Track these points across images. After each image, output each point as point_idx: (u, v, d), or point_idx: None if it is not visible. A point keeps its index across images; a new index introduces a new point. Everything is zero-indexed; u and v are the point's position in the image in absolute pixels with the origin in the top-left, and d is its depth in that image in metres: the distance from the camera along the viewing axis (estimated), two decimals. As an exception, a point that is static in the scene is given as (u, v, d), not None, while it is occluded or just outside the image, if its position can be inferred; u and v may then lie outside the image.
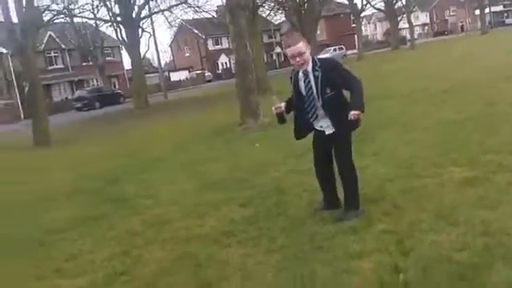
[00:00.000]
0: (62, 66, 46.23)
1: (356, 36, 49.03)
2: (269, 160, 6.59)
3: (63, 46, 44.74)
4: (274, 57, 62.54)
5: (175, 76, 56.01)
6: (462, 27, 79.56)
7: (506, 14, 74.45)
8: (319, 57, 3.83)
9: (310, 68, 3.79)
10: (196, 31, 58.46)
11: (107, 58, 46.37)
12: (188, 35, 56.63)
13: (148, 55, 59.40)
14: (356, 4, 46.21)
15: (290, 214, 4.33)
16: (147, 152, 9.79)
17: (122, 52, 49.37)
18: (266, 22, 45.55)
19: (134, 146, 11.18)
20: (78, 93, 39.50)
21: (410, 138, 6.57)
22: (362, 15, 50.87)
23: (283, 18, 41.98)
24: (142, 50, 30.21)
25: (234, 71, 26.68)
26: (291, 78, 3.99)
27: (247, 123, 10.76)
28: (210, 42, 61.85)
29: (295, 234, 3.82)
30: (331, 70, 3.80)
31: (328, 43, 61.75)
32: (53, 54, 45.42)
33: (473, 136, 6.02)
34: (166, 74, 52.57)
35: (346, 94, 3.90)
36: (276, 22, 57.61)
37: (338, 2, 58.87)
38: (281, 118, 4.04)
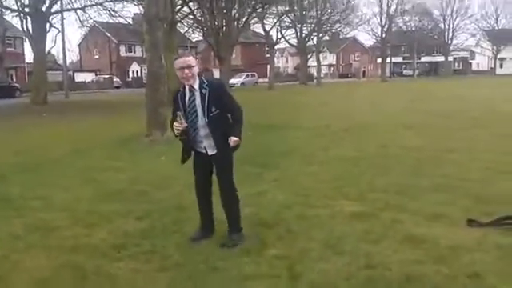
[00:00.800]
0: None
1: (268, 66, 50.64)
2: (173, 174, 6.48)
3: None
4: (187, 73, 62.21)
5: (80, 77, 53.42)
6: (364, 72, 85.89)
7: (404, 66, 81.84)
8: (208, 77, 3.95)
9: (197, 85, 3.80)
10: (108, 35, 56.52)
11: (7, 49, 42.83)
12: (99, 38, 54.40)
13: (53, 51, 55.89)
14: (271, 36, 48.00)
15: (186, 231, 4.28)
16: (41, 152, 9.12)
17: (24, 44, 46.06)
18: (183, 38, 45.36)
19: (26, 145, 10.35)
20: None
21: (310, 170, 6.89)
22: (276, 47, 52.83)
23: (201, 37, 42.13)
24: (48, 45, 28.35)
25: (145, 81, 25.94)
26: (175, 98, 3.93)
27: (154, 135, 10.50)
28: (122, 48, 60.08)
29: (190, 253, 3.78)
30: (218, 89, 3.87)
31: (242, 68, 63.12)
32: None
33: (365, 174, 6.48)
34: (71, 73, 49.92)
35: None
36: (193, 40, 57.69)
37: (256, 32, 60.67)
38: (182, 134, 3.86)
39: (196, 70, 3.79)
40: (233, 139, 3.74)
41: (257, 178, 6.40)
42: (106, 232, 4.29)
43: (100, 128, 13.35)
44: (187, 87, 3.84)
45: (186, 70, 3.73)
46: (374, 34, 63.82)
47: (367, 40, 77.90)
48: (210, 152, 3.90)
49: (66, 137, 11.56)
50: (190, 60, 3.78)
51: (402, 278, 3.23)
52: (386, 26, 60.37)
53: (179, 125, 3.80)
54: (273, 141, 9.81)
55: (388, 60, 65.18)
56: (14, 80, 44.16)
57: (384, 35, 60.80)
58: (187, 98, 3.83)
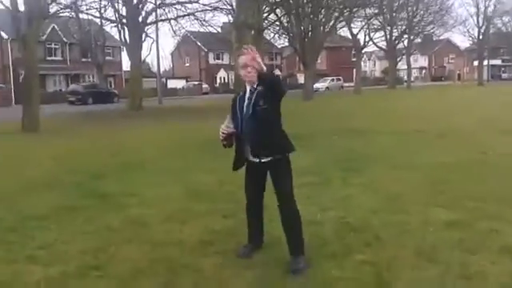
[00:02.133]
0: (60, 58, 46.06)
1: (355, 70, 49.66)
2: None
3: (65, 40, 44.64)
4: (273, 79, 62.85)
5: (172, 83, 56.07)
6: (459, 76, 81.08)
7: (503, 69, 76.15)
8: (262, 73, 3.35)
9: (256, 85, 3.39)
10: (199, 43, 58.88)
11: (107, 58, 46.30)
12: (190, 46, 56.88)
13: (148, 60, 59.47)
14: (359, 40, 46.93)
15: (269, 231, 4.29)
16: (136, 153, 9.71)
17: (122, 53, 49.45)
18: (270, 45, 46.00)
19: (122, 145, 11.09)
20: (72, 86, 39.36)
21: (399, 175, 6.61)
22: (363, 51, 51.65)
23: (286, 43, 42.43)
24: (143, 53, 30.10)
25: (231, 87, 26.53)
26: (233, 104, 3.56)
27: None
28: (210, 56, 62.28)
29: (275, 253, 3.78)
30: (271, 82, 3.39)
31: (327, 73, 62.49)
32: (53, 46, 45.26)
33: (460, 181, 6.08)
34: (164, 80, 52.60)
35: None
36: (279, 46, 58.26)
37: (342, 36, 59.79)
38: (229, 141, 3.49)
39: (260, 67, 3.32)
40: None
41: (342, 182, 6.28)
42: (195, 229, 4.44)
43: (190, 132, 13.87)
44: (248, 89, 3.45)
45: (249, 69, 3.31)
46: (470, 36, 59.97)
47: (463, 42, 73.84)
48: (264, 159, 3.44)
49: (159, 140, 12.18)
50: (256, 56, 3.31)
51: (500, 290, 2.99)
52: (484, 27, 56.37)
53: (225, 128, 3.44)
54: (359, 145, 9.57)
55: (485, 63, 60.86)
56: (113, 87, 47.49)
57: (481, 37, 56.89)
58: (246, 101, 3.44)
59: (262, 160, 3.44)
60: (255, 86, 3.37)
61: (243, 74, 3.39)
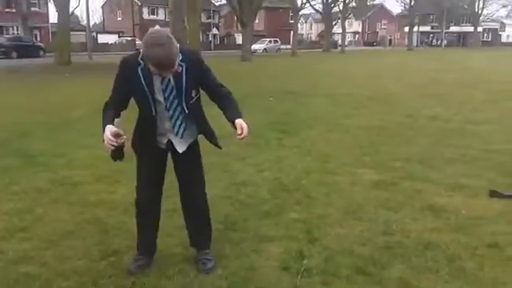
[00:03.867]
0: (-19, 8, 42.25)
1: (292, 32, 49.84)
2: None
3: (-15, -13, 40.91)
4: (210, 38, 61.85)
5: (103, 38, 53.51)
6: (390, 41, 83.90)
7: (431, 35, 79.59)
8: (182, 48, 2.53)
9: None
10: (132, -4, 56.24)
11: (32, 8, 43.03)
12: (123, -1, 54.29)
13: (77, 12, 56.09)
14: (296, 0, 46.96)
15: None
16: (64, 110, 9.26)
17: (49, 4, 46.18)
18: (207, 2, 44.86)
19: (49, 103, 10.51)
20: (-5, 39, 36.32)
21: (331, 137, 6.84)
22: (300, 13, 51.82)
23: (224, 1, 41.53)
24: (72, 5, 28.25)
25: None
26: (125, 72, 2.60)
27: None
28: (145, 11, 59.80)
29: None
30: (198, 65, 2.63)
31: (264, 34, 62.27)
32: (-27, -6, 41.38)
33: (387, 143, 6.40)
34: (94, 34, 50.03)
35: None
36: (217, 4, 56.98)
37: (280, -4, 59.67)
38: (119, 152, 2.57)
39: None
40: (244, 125, 2.59)
41: (277, 144, 6.40)
42: (127, 189, 4.34)
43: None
44: None
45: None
46: (402, 2, 62.04)
47: (395, 7, 75.95)
48: (180, 149, 2.78)
49: (88, 97, 11.64)
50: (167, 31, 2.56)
51: (420, 245, 3.22)
52: (416, -6, 58.41)
53: (113, 139, 2.40)
54: (294, 107, 9.73)
55: (415, 29, 63.32)
56: (39, 40, 44.50)
57: (413, 3, 58.92)
58: (157, 79, 2.54)
59: (183, 149, 2.79)
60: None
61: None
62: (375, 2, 70.60)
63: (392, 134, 7.00)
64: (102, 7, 62.28)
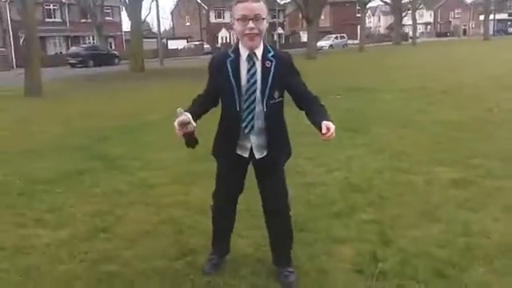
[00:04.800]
0: (59, 20, 45.43)
1: (359, 26, 48.70)
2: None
3: (63, 0, 43.83)
4: (275, 37, 62.00)
5: (173, 44, 55.39)
6: (464, 31, 79.54)
7: (509, 23, 74.49)
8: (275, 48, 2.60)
9: (260, 53, 2.48)
10: (199, 1, 57.72)
11: (106, 18, 45.54)
12: (191, 4, 55.90)
13: (148, 20, 58.48)
14: (363, -6, 45.81)
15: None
16: (140, 115, 9.69)
17: (121, 13, 48.70)
18: (272, 1, 45.01)
19: (126, 108, 11.06)
20: (73, 49, 38.84)
21: (404, 134, 6.61)
22: (367, 6, 50.50)
23: (289, -1, 41.47)
24: (143, 13, 29.45)
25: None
26: (217, 66, 2.56)
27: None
28: (212, 15, 61.16)
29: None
30: (287, 65, 2.55)
31: (330, 30, 61.43)
32: (52, 7, 44.60)
33: (466, 139, 6.08)
34: (164, 41, 51.92)
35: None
36: (281, 2, 57.00)
37: (346, -10, 58.54)
38: (190, 140, 2.51)
39: (266, 26, 2.44)
40: (331, 126, 2.39)
41: (347, 143, 6.27)
42: (201, 190, 4.45)
43: (193, 93, 13.78)
44: (244, 53, 2.48)
45: (252, 24, 2.36)
46: (477, -12, 58.48)
47: (469, -5, 71.74)
48: (258, 155, 2.63)
49: (162, 102, 12.12)
50: (261, 7, 2.40)
51: (502, 247, 3.04)
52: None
53: (182, 125, 2.40)
54: (364, 104, 9.51)
55: (491, 17, 59.41)
56: (113, 48, 46.92)
57: (488, -11, 55.44)
58: (243, 70, 2.48)
59: (261, 156, 2.64)
60: (261, 56, 2.48)
61: (243, 30, 2.40)
62: (447, -9, 67.24)
63: (470, 130, 6.63)
64: (172, 13, 64.51)
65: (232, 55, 2.50)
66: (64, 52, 41.79)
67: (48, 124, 9.02)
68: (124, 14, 38.21)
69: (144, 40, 30.80)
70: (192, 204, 4.12)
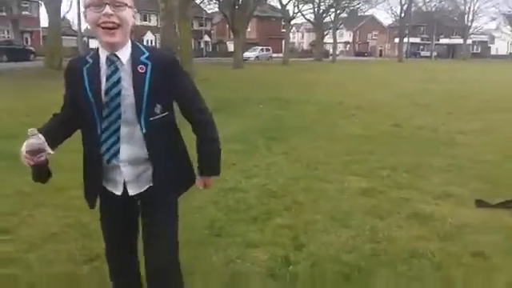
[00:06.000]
0: (-29, 11, 41.93)
1: (284, 41, 50.08)
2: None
3: (-24, -10, 40.57)
4: (202, 45, 61.94)
5: (94, 43, 52.99)
6: (380, 52, 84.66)
7: (421, 47, 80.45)
8: (152, 46, 2.11)
9: (126, 54, 1.81)
10: (125, 2, 56.20)
11: (23, 12, 42.82)
12: (115, 4, 54.17)
13: (68, 17, 55.90)
14: (288, 10, 47.31)
15: (193, 197, 4.28)
16: (52, 113, 9.15)
17: (40, 8, 46.00)
18: (199, 9, 44.99)
19: (40, 106, 10.39)
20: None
21: (320, 144, 6.85)
22: (292, 22, 52.17)
23: (216, 9, 41.69)
24: (63, 10, 28.13)
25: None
26: (69, 74, 1.91)
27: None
28: (137, 16, 59.62)
29: (193, 217, 3.79)
30: (171, 68, 1.88)
31: (257, 42, 62.51)
32: (-36, -2, 41.02)
33: (376, 151, 6.42)
34: (86, 39, 49.81)
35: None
36: (209, 11, 57.16)
37: (272, 5, 60.01)
38: (41, 171, 1.88)
39: (132, 19, 1.81)
40: (208, 183, 2.06)
41: (266, 150, 6.40)
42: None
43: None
44: (103, 55, 1.83)
45: (109, 9, 1.71)
46: (392, 13, 63.18)
47: (386, 19, 76.95)
48: (133, 191, 1.94)
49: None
50: None
51: (406, 253, 3.22)
52: (406, 6, 59.19)
53: (30, 155, 1.79)
54: (284, 115, 9.75)
55: (406, 40, 63.96)
56: (30, 43, 44.27)
57: (403, 14, 59.62)
58: (103, 75, 1.81)
59: (136, 192, 1.95)
60: (128, 58, 1.81)
61: (97, 19, 1.73)
62: (366, 13, 71.31)
63: (380, 143, 7.02)
64: (94, 12, 62.17)
65: (90, 60, 1.85)
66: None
67: None
68: (43, 9, 36.19)
69: (63, 37, 29.32)
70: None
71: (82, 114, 1.88)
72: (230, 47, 50.10)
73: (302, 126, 8.43)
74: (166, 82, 1.85)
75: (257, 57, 52.70)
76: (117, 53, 1.80)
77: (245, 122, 8.55)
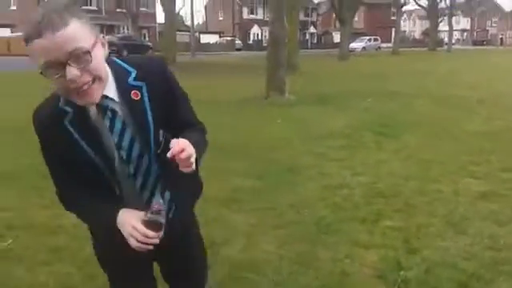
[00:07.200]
0: (95, 8, 46.25)
1: (394, 30, 48.02)
2: (287, 137, 6.58)
3: (100, -11, 44.73)
4: (307, 36, 61.68)
5: (205, 38, 55.73)
6: (501, 40, 77.49)
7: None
8: (133, 56, 1.59)
9: (111, 87, 1.38)
10: (233, -4, 57.90)
11: (141, 9, 46.14)
12: (225, -1, 56.07)
13: (181, 13, 59.12)
14: (399, -4, 45.18)
15: (299, 191, 4.34)
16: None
17: (156, 5, 49.18)
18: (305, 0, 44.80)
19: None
20: (107, 37, 39.02)
21: (434, 142, 6.49)
22: (403, 9, 49.74)
23: (324, -1, 41.22)
24: (177, 6, 29.70)
25: (265, 44, 26.27)
26: (43, 132, 1.41)
27: (272, 97, 10.70)
28: (245, 10, 61.17)
29: (303, 214, 3.84)
30: (167, 85, 1.50)
31: (364, 32, 60.66)
32: (89, -5, 45.45)
33: (498, 151, 5.93)
34: (197, 34, 52.32)
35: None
36: (315, 1, 56.67)
37: (382, -8, 57.80)
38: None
39: (101, 54, 1.37)
40: (188, 148, 1.28)
41: (375, 147, 6.23)
42: (220, 186, 4.41)
43: (222, 88, 13.85)
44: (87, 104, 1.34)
45: (74, 71, 1.23)
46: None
47: (507, 3, 69.77)
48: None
49: (191, 95, 12.21)
50: (70, 33, 1.26)
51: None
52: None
53: (154, 232, 1.36)
54: (395, 109, 9.38)
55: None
56: (147, 39, 47.54)
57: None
58: (102, 127, 1.40)
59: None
60: (116, 89, 1.39)
61: (65, 87, 1.26)
62: (487, -3, 65.71)
63: (504, 141, 6.47)
64: (205, 7, 64.91)
65: (69, 109, 1.37)
66: (98, 40, 42.43)
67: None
68: (159, 6, 38.62)
69: (177, 33, 31.08)
70: (215, 198, 4.14)
71: (87, 178, 1.45)
72: (336, 38, 49.24)
73: (414, 122, 8.03)
74: (165, 105, 1.46)
75: (364, 47, 51.20)
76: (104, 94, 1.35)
77: (351, 116, 8.36)
